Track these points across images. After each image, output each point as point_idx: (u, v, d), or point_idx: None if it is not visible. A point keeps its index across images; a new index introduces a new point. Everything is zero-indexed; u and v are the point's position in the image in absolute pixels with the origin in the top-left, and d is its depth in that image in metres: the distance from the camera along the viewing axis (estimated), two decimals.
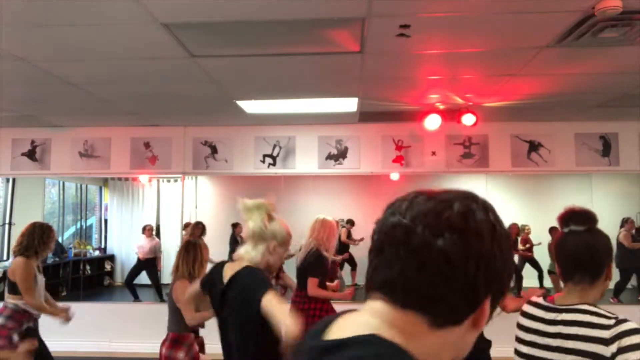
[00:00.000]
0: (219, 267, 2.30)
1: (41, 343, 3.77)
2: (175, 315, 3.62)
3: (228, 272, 2.21)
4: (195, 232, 6.44)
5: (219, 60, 3.69)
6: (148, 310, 6.14)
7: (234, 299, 2.14)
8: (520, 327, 1.66)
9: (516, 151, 5.91)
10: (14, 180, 6.89)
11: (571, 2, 2.69)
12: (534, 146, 5.91)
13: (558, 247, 1.65)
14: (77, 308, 5.91)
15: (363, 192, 7.78)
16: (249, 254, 2.23)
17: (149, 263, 8.01)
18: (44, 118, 5.72)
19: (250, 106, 5.08)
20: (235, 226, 7.70)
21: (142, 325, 5.90)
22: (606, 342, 1.39)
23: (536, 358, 1.56)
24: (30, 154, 6.23)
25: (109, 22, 2.93)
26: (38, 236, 3.67)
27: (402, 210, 0.66)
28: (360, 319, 0.67)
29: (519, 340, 1.65)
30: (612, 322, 1.42)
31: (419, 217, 0.64)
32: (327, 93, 4.68)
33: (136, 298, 7.73)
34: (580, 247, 1.58)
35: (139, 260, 8.08)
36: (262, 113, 5.37)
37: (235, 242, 7.77)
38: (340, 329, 0.66)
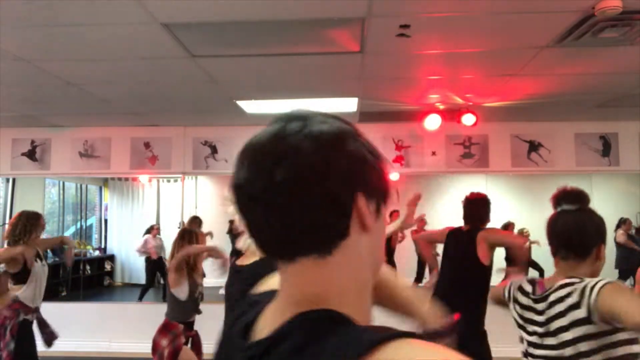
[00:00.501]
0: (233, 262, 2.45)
1: (31, 341, 3.74)
2: (170, 301, 3.68)
3: (240, 263, 2.34)
4: (192, 226, 6.48)
5: (219, 60, 3.69)
6: (148, 310, 6.13)
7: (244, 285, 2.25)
8: (518, 315, 1.69)
9: (516, 151, 5.91)
10: (14, 180, 6.89)
11: (571, 2, 2.69)
12: (534, 146, 5.90)
13: (549, 226, 1.67)
14: (77, 308, 5.94)
15: None
16: (246, 242, 2.30)
17: (160, 262, 8.01)
18: (44, 118, 5.72)
19: (250, 106, 5.08)
20: (232, 222, 7.75)
21: (142, 325, 5.89)
22: (579, 304, 1.44)
23: (536, 344, 1.59)
24: (30, 154, 6.23)
25: (109, 22, 2.93)
26: (22, 225, 3.69)
27: (241, 161, 0.65)
28: (275, 302, 0.66)
29: (521, 326, 1.67)
30: (583, 283, 1.47)
31: (252, 164, 0.63)
32: (327, 93, 4.68)
33: (140, 299, 7.75)
34: (570, 226, 1.60)
35: (151, 260, 8.06)
36: (262, 113, 5.37)
37: (233, 236, 7.84)
38: (265, 323, 0.64)
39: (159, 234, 8.57)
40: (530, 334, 1.63)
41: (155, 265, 8.07)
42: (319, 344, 0.54)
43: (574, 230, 1.59)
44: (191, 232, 3.86)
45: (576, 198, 1.63)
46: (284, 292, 0.64)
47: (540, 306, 1.59)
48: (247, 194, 0.62)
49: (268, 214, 0.61)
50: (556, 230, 1.64)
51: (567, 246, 1.60)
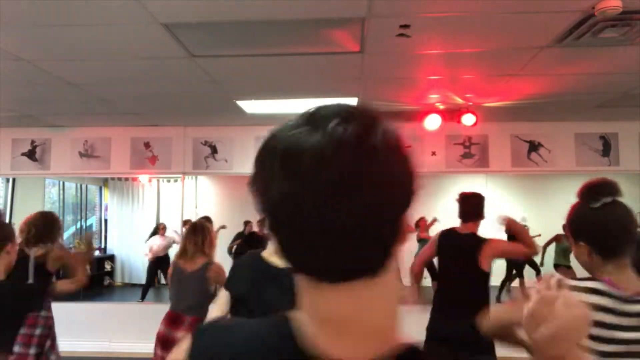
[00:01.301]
0: (259, 260, 2.15)
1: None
2: (201, 296, 3.53)
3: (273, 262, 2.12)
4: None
5: (219, 60, 3.69)
6: (148, 310, 6.13)
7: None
8: (596, 323, 1.36)
9: (516, 151, 5.91)
10: (14, 180, 6.90)
11: (571, 2, 2.69)
12: (534, 146, 5.90)
13: (597, 223, 1.44)
14: (77, 308, 5.93)
15: None
16: None
17: (164, 261, 7.99)
18: (44, 118, 5.72)
19: (250, 106, 5.08)
20: (246, 224, 7.83)
21: (142, 325, 5.89)
22: None
23: (620, 354, 1.36)
24: (30, 154, 6.23)
25: (109, 22, 2.93)
26: (49, 225, 3.50)
27: (292, 170, 0.55)
28: (331, 326, 0.61)
29: (597, 338, 1.37)
30: None
31: (315, 177, 0.54)
32: (327, 93, 4.68)
33: (143, 298, 7.70)
34: (626, 218, 1.42)
35: (155, 259, 8.05)
36: (262, 113, 5.37)
37: (248, 238, 7.82)
38: (339, 348, 0.60)
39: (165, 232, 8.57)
40: (606, 340, 1.37)
41: (158, 264, 8.05)
42: None
43: (631, 222, 1.40)
44: (202, 225, 3.79)
45: (615, 189, 1.45)
46: (345, 317, 0.58)
47: (624, 307, 1.36)
48: (301, 210, 0.54)
49: (327, 236, 0.54)
50: (613, 225, 1.42)
51: (628, 240, 1.41)
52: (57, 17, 2.85)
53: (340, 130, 0.54)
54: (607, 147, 5.87)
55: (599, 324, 1.36)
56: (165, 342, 3.50)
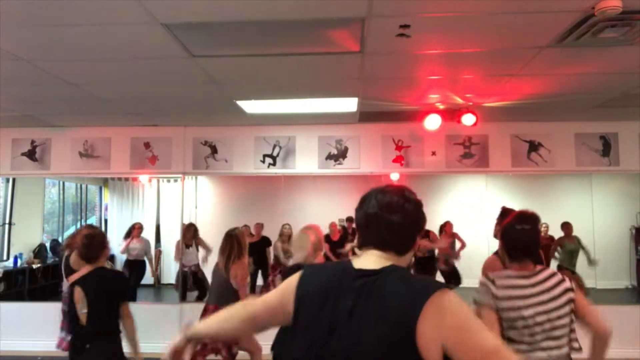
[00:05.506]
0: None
1: None
2: (220, 289, 4.19)
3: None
4: (188, 231, 6.53)
5: (219, 60, 3.69)
6: (148, 310, 6.13)
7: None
8: (511, 297, 2.11)
9: (516, 151, 5.91)
10: (14, 180, 6.89)
11: (571, 2, 2.69)
12: (534, 146, 5.91)
13: (514, 238, 2.20)
14: None
15: (363, 192, 7.77)
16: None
17: (140, 265, 7.64)
18: (44, 118, 5.72)
19: (250, 106, 5.08)
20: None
21: (141, 325, 5.86)
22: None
23: (539, 313, 2.07)
24: (30, 154, 6.23)
25: (109, 22, 2.94)
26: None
27: (372, 203, 1.43)
28: (367, 258, 1.38)
29: (519, 308, 2.08)
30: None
31: (383, 207, 1.39)
32: (327, 93, 4.68)
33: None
34: (532, 241, 2.21)
35: (130, 262, 7.70)
36: (262, 113, 5.37)
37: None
38: (363, 265, 1.36)
39: (157, 234, 8.52)
40: (526, 307, 2.10)
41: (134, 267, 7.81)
42: (412, 277, 1.35)
43: (533, 245, 2.22)
44: (232, 236, 4.29)
45: (534, 220, 2.22)
46: (379, 257, 1.35)
47: (530, 281, 2.16)
48: (373, 219, 1.42)
49: (385, 231, 1.39)
50: (521, 244, 2.20)
51: (528, 254, 2.21)
52: (57, 17, 2.85)
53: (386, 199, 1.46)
54: (607, 147, 5.87)
55: (519, 297, 2.10)
56: None
